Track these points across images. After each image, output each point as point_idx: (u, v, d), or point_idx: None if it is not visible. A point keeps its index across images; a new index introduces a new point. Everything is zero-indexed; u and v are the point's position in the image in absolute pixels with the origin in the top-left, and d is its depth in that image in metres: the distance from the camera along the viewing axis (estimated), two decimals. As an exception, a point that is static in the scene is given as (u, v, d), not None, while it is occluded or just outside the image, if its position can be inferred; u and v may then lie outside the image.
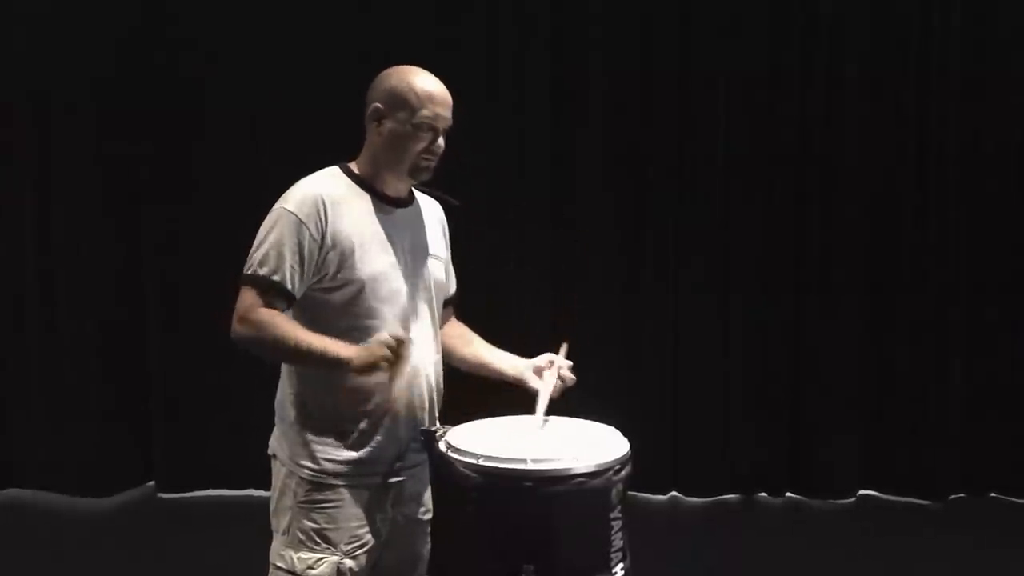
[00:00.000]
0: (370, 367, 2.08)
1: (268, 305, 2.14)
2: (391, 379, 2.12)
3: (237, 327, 2.15)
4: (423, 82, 2.25)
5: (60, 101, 4.63)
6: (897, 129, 4.67)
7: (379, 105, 2.25)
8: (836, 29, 4.63)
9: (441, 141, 2.26)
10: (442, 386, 2.37)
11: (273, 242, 2.15)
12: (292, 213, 2.16)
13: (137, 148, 4.61)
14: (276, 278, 2.14)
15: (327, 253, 2.17)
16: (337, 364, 2.10)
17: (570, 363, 2.40)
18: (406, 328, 2.25)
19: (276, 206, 2.20)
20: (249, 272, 2.17)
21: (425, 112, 2.22)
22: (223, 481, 4.69)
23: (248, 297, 2.15)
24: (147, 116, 4.60)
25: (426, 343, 2.31)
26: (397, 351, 2.08)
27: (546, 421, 2.29)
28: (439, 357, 2.37)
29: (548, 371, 2.37)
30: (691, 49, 4.66)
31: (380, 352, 2.07)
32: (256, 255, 2.16)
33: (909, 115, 4.66)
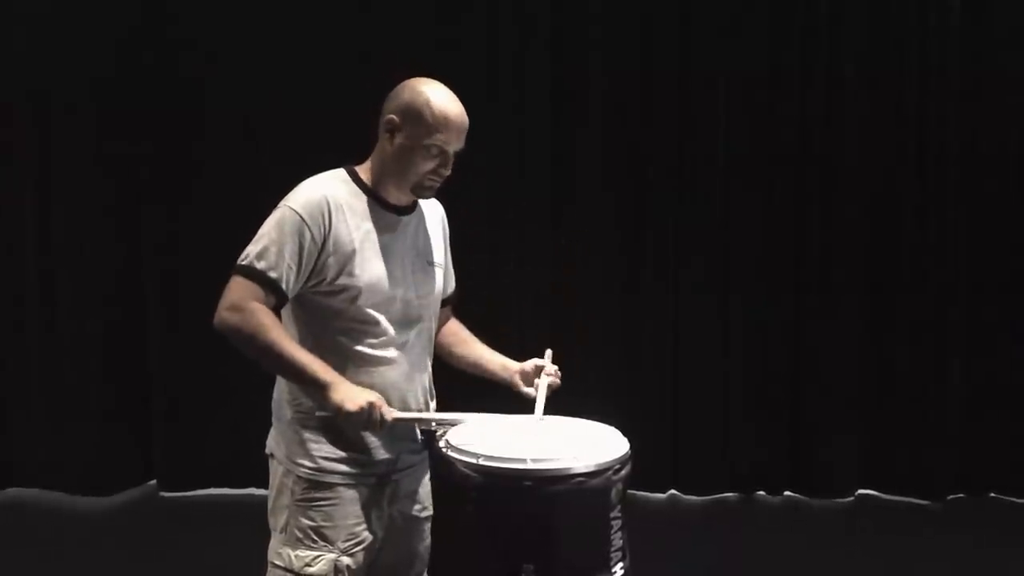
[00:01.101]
0: (346, 409, 2.07)
1: (260, 300, 2.13)
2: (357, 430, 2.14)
3: (227, 314, 2.12)
4: (441, 103, 2.21)
5: (60, 101, 4.63)
6: (897, 129, 4.68)
7: (394, 117, 2.24)
8: (836, 29, 4.63)
9: (450, 165, 2.25)
10: (434, 390, 2.39)
11: (275, 239, 2.15)
12: (297, 213, 2.16)
13: (137, 148, 4.61)
14: (273, 275, 2.14)
15: (327, 258, 2.17)
16: (317, 384, 2.11)
17: (556, 367, 2.42)
18: (402, 333, 2.26)
19: (281, 204, 2.20)
20: (245, 263, 2.15)
21: (439, 136, 2.20)
22: (224, 480, 4.69)
23: (241, 287, 2.14)
24: (147, 116, 4.60)
25: (421, 349, 2.33)
26: (374, 419, 2.09)
27: (534, 420, 2.30)
28: (431, 361, 2.39)
29: (539, 379, 2.38)
30: (691, 49, 4.66)
31: (363, 413, 2.07)
32: (254, 248, 2.16)
33: (909, 115, 4.66)
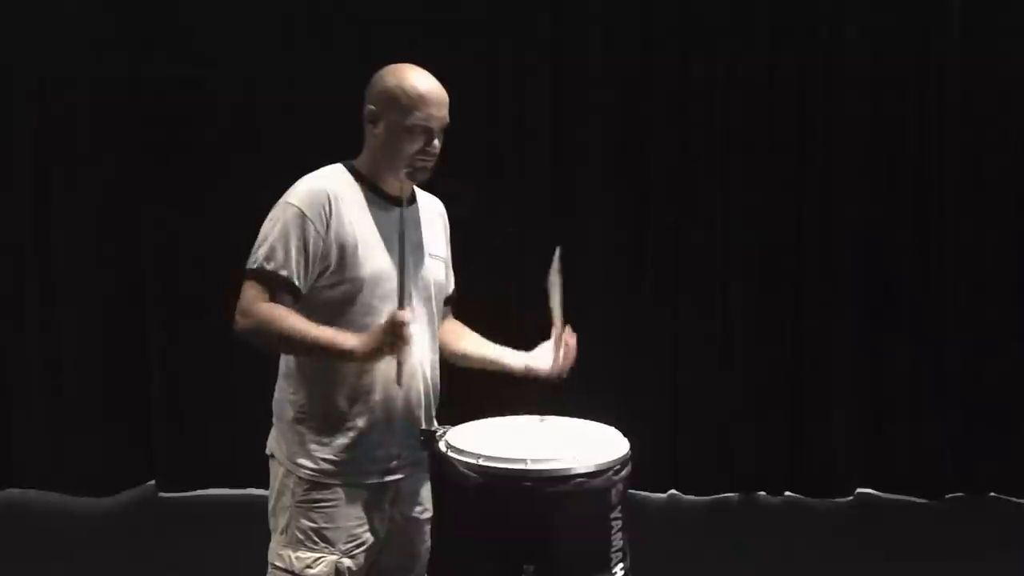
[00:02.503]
0: (375, 354, 2.09)
1: (273, 300, 2.13)
2: (398, 362, 2.12)
3: (240, 321, 2.15)
4: (415, 82, 2.22)
5: (60, 101, 4.63)
6: (897, 129, 4.68)
7: (372, 107, 2.25)
8: (836, 29, 4.63)
9: (437, 142, 2.25)
10: (439, 386, 2.37)
11: (279, 237, 2.14)
12: (298, 209, 2.16)
13: (138, 147, 4.61)
14: (284, 273, 2.13)
15: (330, 250, 2.17)
16: (342, 355, 2.11)
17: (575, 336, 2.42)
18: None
19: (281, 201, 2.20)
20: (255, 266, 2.15)
21: (418, 114, 2.20)
22: (224, 480, 4.69)
23: (252, 291, 2.14)
24: (147, 116, 4.60)
25: (424, 343, 2.31)
26: (399, 334, 2.08)
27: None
28: (436, 357, 2.37)
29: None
30: (691, 48, 4.66)
31: (383, 338, 2.08)
32: (261, 250, 2.16)
33: (909, 115, 4.67)
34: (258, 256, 2.16)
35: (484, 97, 4.55)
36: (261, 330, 2.13)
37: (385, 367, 2.21)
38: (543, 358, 2.41)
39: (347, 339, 2.11)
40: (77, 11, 4.56)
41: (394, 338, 2.08)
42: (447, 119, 2.26)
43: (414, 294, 2.28)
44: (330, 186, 2.21)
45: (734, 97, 4.68)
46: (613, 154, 4.71)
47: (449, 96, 2.27)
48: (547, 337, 2.46)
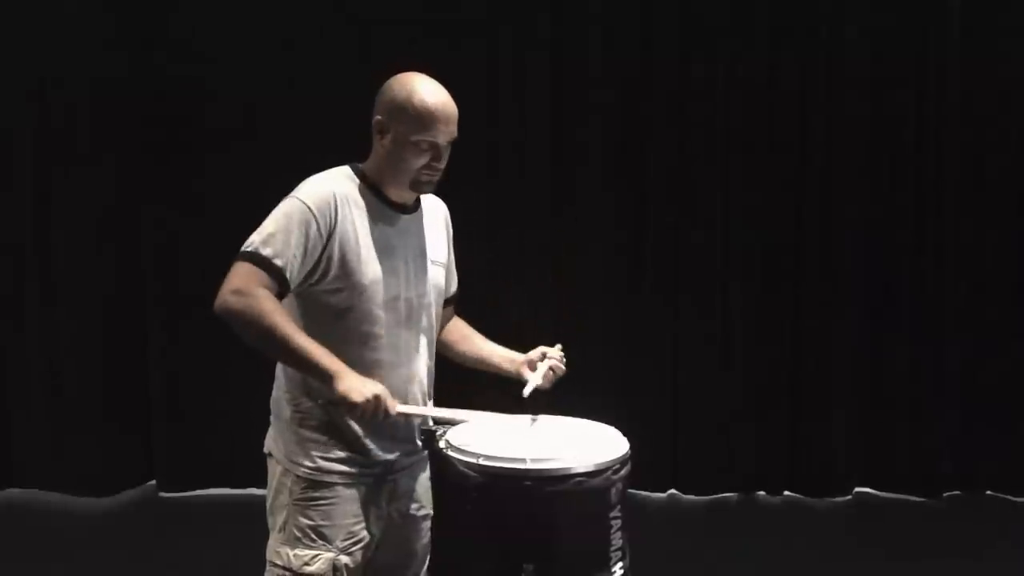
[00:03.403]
0: (352, 398, 2.06)
1: (264, 286, 2.09)
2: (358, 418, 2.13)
3: (231, 298, 2.08)
4: (424, 96, 2.20)
5: (60, 101, 4.63)
6: (897, 129, 4.68)
7: (380, 118, 2.23)
8: (836, 29, 4.63)
9: (444, 157, 2.24)
10: (432, 392, 2.38)
11: (283, 229, 2.13)
12: (306, 206, 2.15)
13: (138, 147, 4.61)
14: (279, 263, 2.11)
15: (331, 253, 2.16)
16: (322, 376, 2.08)
17: (562, 354, 2.41)
18: (403, 332, 2.27)
19: (291, 196, 2.19)
20: (251, 249, 2.13)
21: (427, 130, 2.19)
22: (224, 480, 4.69)
23: (246, 272, 2.10)
24: (147, 116, 4.60)
25: (421, 349, 2.32)
26: (379, 411, 2.08)
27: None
28: (432, 363, 2.38)
29: (541, 363, 2.38)
30: (691, 48, 4.66)
31: (368, 400, 2.06)
32: (260, 236, 2.13)
33: (909, 115, 4.67)
34: (255, 241, 2.13)
35: (484, 97, 4.55)
36: (249, 315, 2.07)
37: (384, 371, 2.22)
38: (530, 372, 2.39)
39: (335, 363, 2.08)
40: (77, 11, 4.56)
41: (375, 409, 2.07)
42: (455, 133, 2.24)
43: (414, 300, 2.29)
44: (339, 189, 2.20)
45: (734, 97, 4.68)
46: (613, 154, 4.71)
47: (450, 97, 2.25)
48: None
